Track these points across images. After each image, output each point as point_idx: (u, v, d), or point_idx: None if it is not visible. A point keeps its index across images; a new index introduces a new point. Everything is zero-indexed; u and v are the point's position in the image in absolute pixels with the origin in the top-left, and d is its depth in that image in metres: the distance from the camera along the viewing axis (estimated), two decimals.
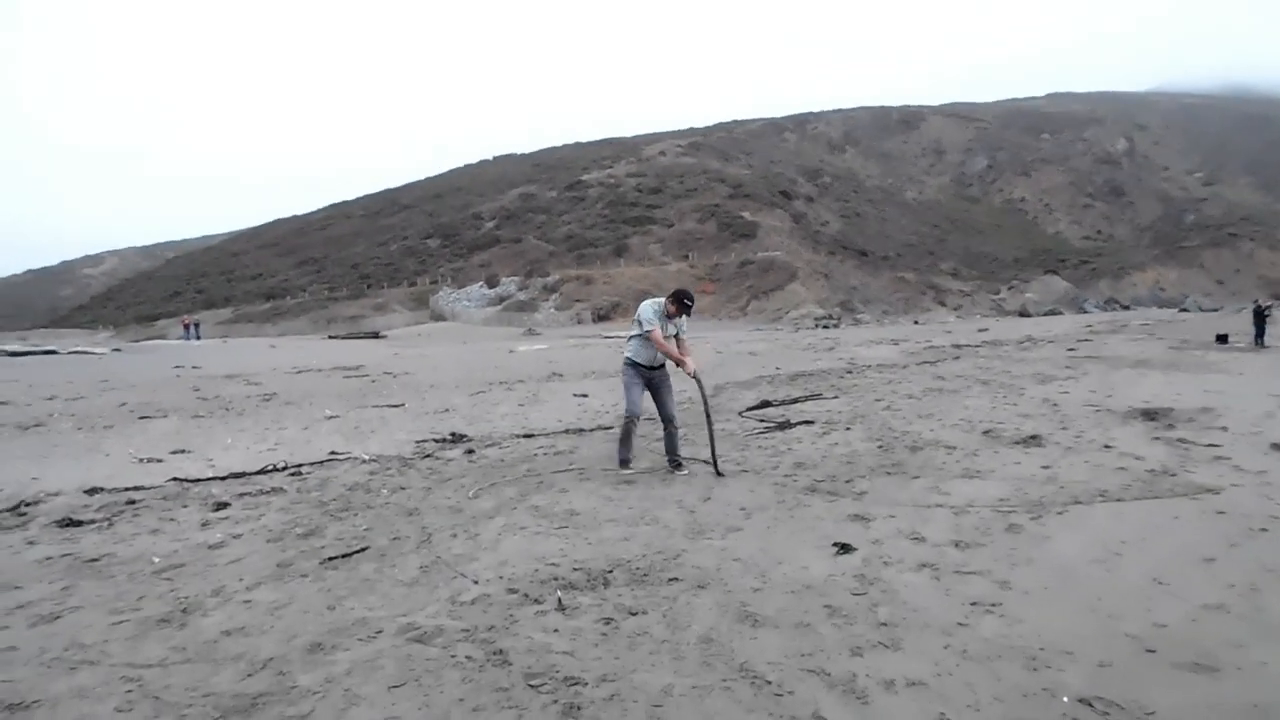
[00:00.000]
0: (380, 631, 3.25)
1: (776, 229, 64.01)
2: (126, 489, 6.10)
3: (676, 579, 3.83)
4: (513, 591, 3.69)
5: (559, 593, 3.63)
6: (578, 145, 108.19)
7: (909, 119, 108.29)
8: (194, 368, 19.53)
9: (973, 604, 3.45)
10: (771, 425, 8.17)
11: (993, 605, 3.43)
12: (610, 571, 3.94)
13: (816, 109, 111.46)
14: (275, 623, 3.38)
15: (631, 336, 6.45)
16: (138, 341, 47.03)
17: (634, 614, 3.41)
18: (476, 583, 3.81)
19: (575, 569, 3.99)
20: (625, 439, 6.42)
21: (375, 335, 45.09)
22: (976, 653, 3.00)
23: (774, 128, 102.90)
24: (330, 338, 44.89)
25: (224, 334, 53.64)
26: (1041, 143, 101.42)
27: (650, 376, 6.43)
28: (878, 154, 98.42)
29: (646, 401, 6.47)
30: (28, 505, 5.66)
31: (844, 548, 4.23)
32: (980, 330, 30.98)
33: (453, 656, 3.00)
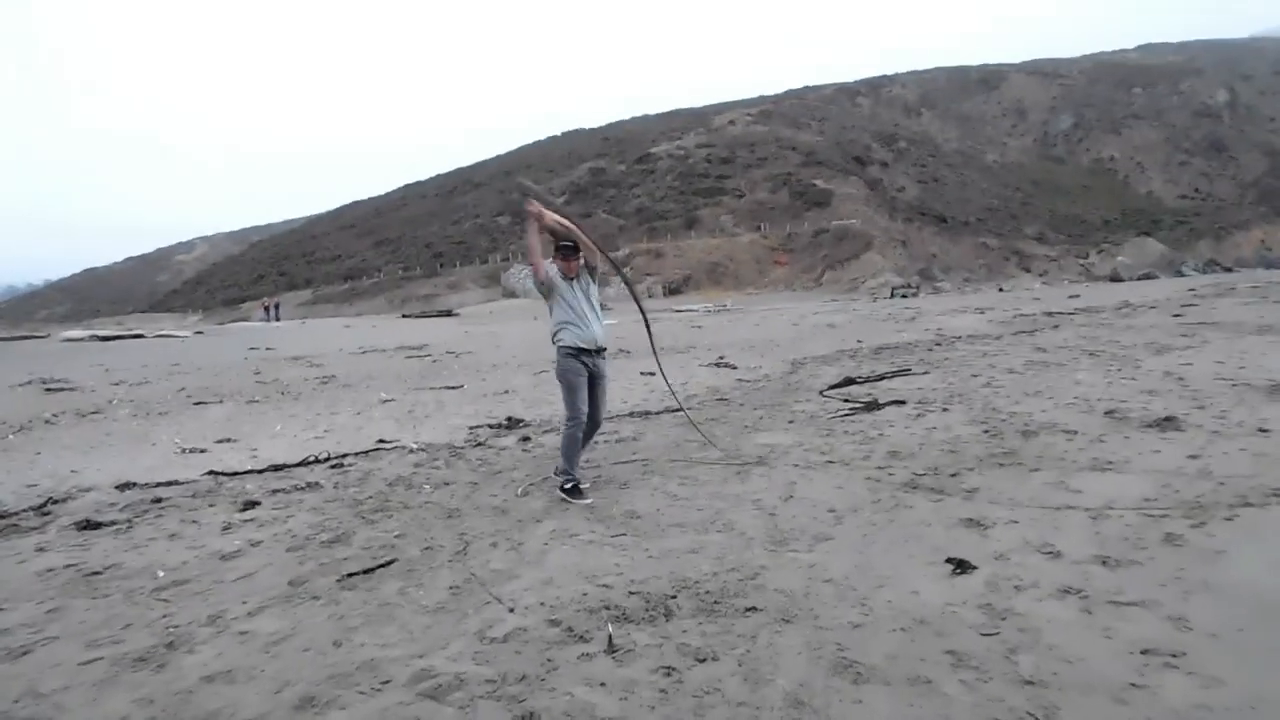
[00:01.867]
0: (388, 681, 2.64)
1: (851, 196, 61.94)
2: (159, 484, 5.69)
3: (755, 608, 3.11)
4: (554, 624, 3.04)
5: (610, 626, 2.96)
6: (646, 118, 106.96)
7: (988, 78, 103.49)
8: (267, 349, 19.57)
9: (1144, 652, 2.64)
10: (858, 405, 7.33)
11: (1173, 656, 2.60)
12: (674, 597, 3.25)
13: (891, 72, 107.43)
14: (268, 664, 2.80)
15: (555, 320, 5.21)
16: (222, 324, 48.40)
17: (701, 660, 2.71)
18: (513, 610, 3.18)
19: (632, 592, 3.31)
20: (573, 453, 5.00)
21: (448, 314, 45.28)
22: None
23: (847, 93, 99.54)
24: (404, 316, 45.30)
25: (304, 315, 54.86)
26: (1133, 97, 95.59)
27: (593, 365, 5.18)
28: (956, 116, 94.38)
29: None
30: (55, 503, 5.29)
31: (960, 565, 3.45)
32: (1071, 296, 29.08)
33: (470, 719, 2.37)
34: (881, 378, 9.08)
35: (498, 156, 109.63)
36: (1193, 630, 2.78)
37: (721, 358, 11.91)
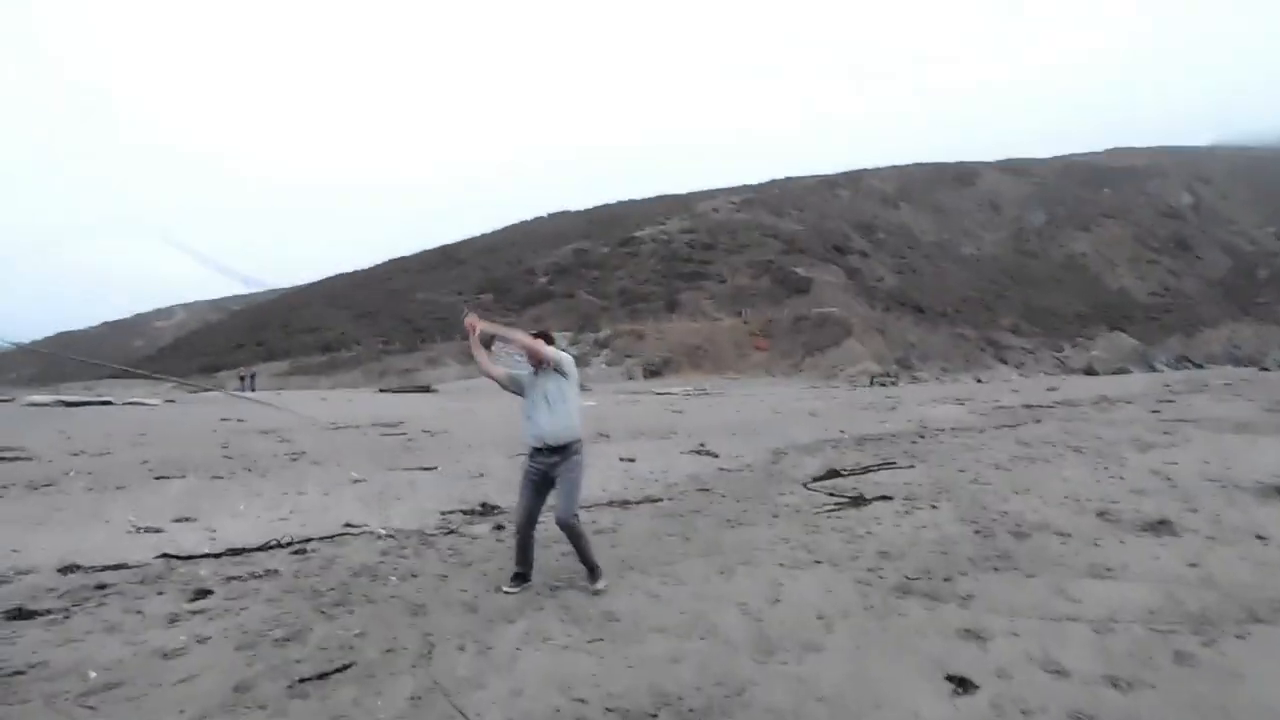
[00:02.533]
0: None
1: (831, 284, 62.83)
2: (106, 567, 5.33)
3: None
4: None
5: None
6: (631, 202, 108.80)
7: (964, 175, 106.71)
8: (238, 421, 19.10)
9: None
10: (844, 500, 7.13)
11: None
12: (654, 715, 2.99)
13: (870, 165, 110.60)
14: None
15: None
16: (195, 393, 47.55)
17: None
18: None
19: (609, 708, 3.05)
20: (517, 551, 4.89)
21: (426, 389, 44.79)
22: None
23: (827, 183, 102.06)
24: (381, 391, 44.76)
25: (280, 385, 54.08)
26: (1102, 196, 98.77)
27: (545, 464, 4.84)
28: (933, 208, 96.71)
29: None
30: None
31: (962, 684, 3.22)
32: (1050, 389, 29.28)
33: None
34: (867, 470, 8.91)
35: (483, 234, 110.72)
36: None
37: (702, 444, 11.70)
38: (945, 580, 4.66)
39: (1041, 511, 6.36)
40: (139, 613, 4.36)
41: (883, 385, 39.75)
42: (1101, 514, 6.21)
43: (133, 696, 3.24)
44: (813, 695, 3.15)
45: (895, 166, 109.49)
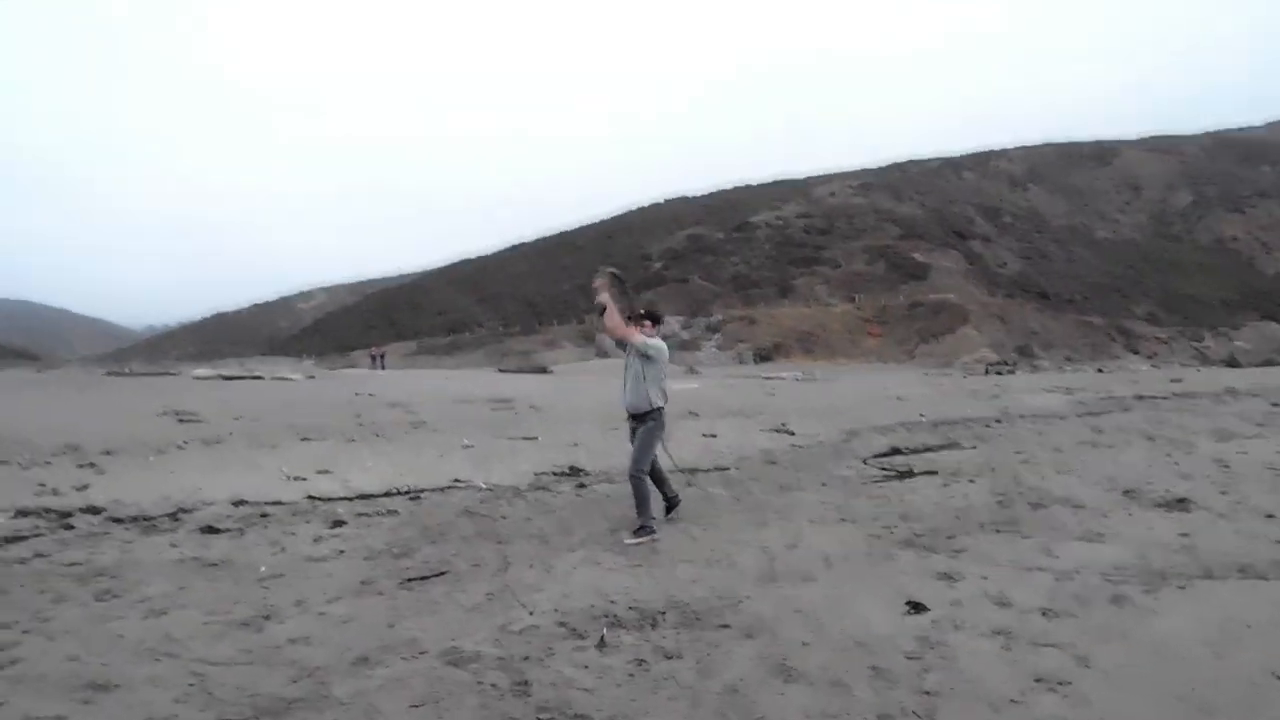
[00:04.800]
0: (424, 652, 3.40)
1: (949, 270, 61.29)
2: (267, 503, 6.69)
3: (727, 625, 3.76)
4: (562, 625, 3.76)
5: (604, 630, 3.66)
6: (748, 187, 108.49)
7: (1101, 153, 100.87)
8: (370, 395, 21.08)
9: (1037, 680, 3.16)
10: (892, 474, 7.82)
11: (1060, 683, 3.13)
12: (663, 613, 3.93)
13: (998, 145, 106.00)
14: (337, 635, 3.62)
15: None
16: (333, 369, 51.36)
17: (669, 657, 3.38)
18: (531, 613, 3.91)
19: (631, 607, 4.00)
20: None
21: (542, 370, 46.82)
22: None
23: (951, 166, 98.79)
24: (501, 371, 47.10)
25: (408, 365, 57.58)
26: (1260, 175, 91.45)
27: (631, 425, 6.04)
28: (1065, 190, 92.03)
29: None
30: (184, 512, 6.33)
31: (916, 607, 4.00)
32: (1174, 380, 28.10)
33: (479, 682, 3.10)
34: (928, 449, 9.50)
35: (600, 220, 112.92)
36: (1090, 668, 3.29)
37: (783, 424, 12.46)
38: (948, 538, 5.37)
39: (1070, 488, 6.88)
40: (292, 533, 5.64)
41: (998, 374, 38.79)
42: (1127, 492, 6.68)
43: (290, 583, 4.44)
44: (792, 608, 4.01)
45: (1025, 147, 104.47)
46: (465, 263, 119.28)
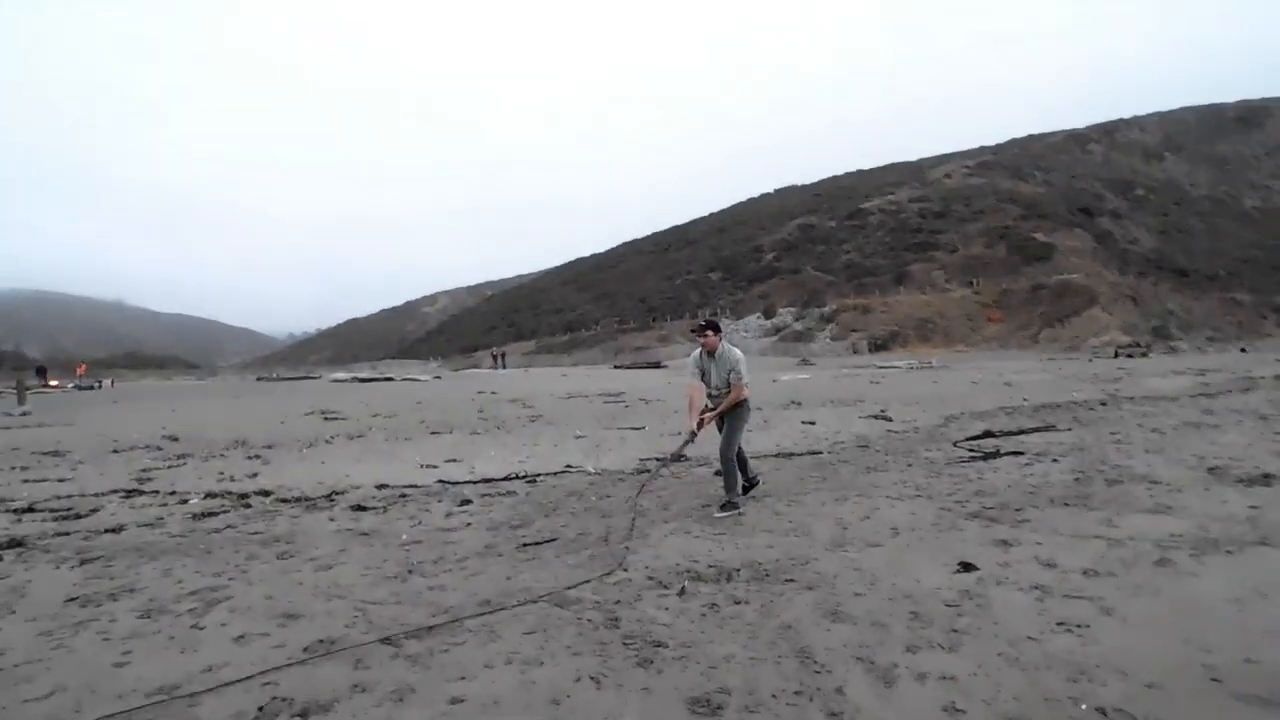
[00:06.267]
0: (535, 597, 4.15)
1: (1075, 250, 58.57)
2: (405, 486, 7.69)
3: (792, 580, 4.34)
4: (650, 578, 4.43)
5: (685, 582, 4.31)
6: (860, 173, 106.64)
7: (1247, 116, 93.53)
8: (492, 393, 22.47)
9: (1059, 624, 3.61)
10: (978, 455, 8.12)
11: (1079, 626, 3.57)
12: (738, 570, 4.54)
13: (1129, 114, 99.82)
14: (465, 583, 4.42)
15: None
16: (457, 370, 54.09)
17: (738, 603, 4.00)
18: (625, 569, 4.61)
19: (710, 566, 4.64)
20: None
21: (656, 365, 47.83)
22: (1028, 662, 3.23)
23: (1076, 139, 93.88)
24: (616, 367, 48.43)
25: (527, 363, 59.84)
26: None
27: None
28: (1207, 159, 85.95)
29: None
30: (338, 494, 7.40)
31: (966, 567, 4.46)
32: None
33: (579, 618, 3.82)
34: (1021, 431, 9.67)
35: (711, 214, 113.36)
36: (1112, 616, 3.70)
37: (883, 411, 12.75)
38: (1016, 511, 5.74)
39: (1153, 466, 7.05)
40: (427, 510, 6.55)
41: (1129, 357, 37.11)
42: (1212, 469, 6.81)
43: (428, 546, 5.31)
44: (852, 567, 4.55)
45: (1160, 113, 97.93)
46: (580, 261, 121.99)
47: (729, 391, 6.38)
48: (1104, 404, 12.69)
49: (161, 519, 6.37)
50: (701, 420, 6.42)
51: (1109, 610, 3.75)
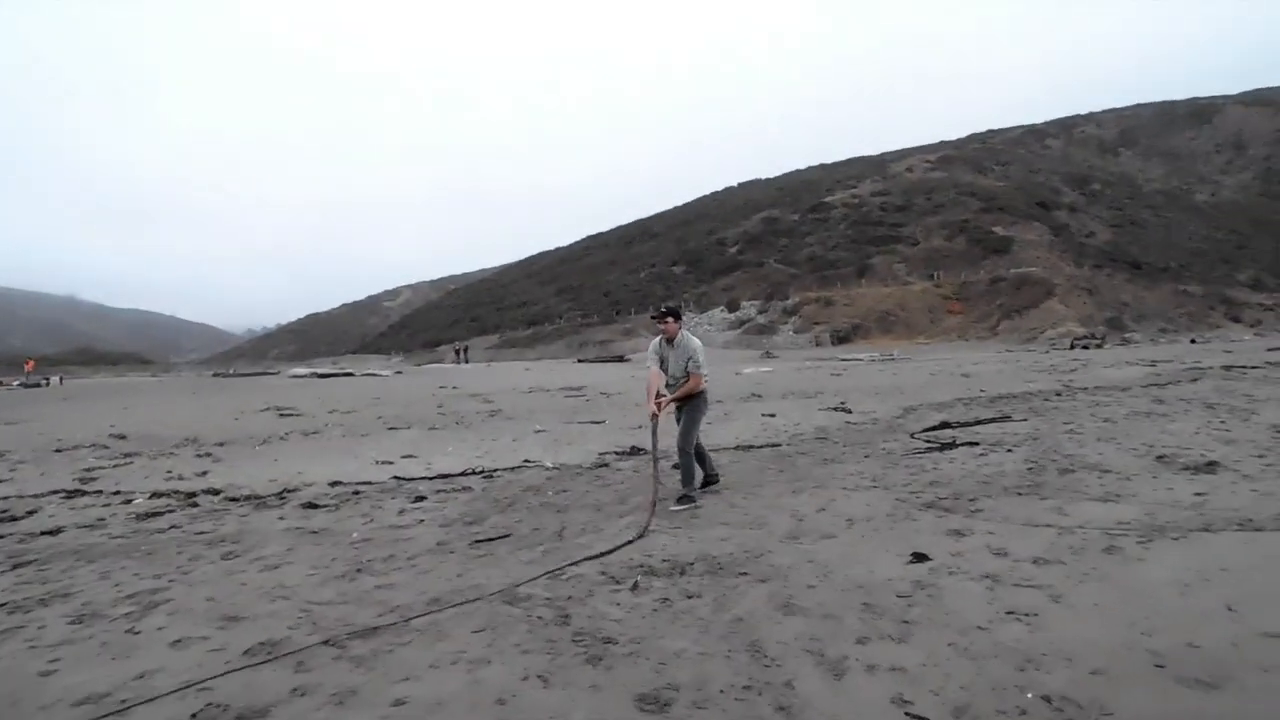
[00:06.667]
0: (486, 594, 4.08)
1: (1033, 243, 59.64)
2: (359, 483, 7.56)
3: (746, 573, 4.32)
4: (603, 574, 4.38)
5: (638, 577, 4.27)
6: (822, 167, 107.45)
7: (1200, 111, 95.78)
8: (453, 388, 22.24)
9: (1008, 612, 3.63)
10: (934, 446, 8.19)
11: (1027, 615, 3.58)
12: (692, 564, 4.51)
13: (1085, 110, 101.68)
14: (415, 581, 4.34)
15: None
16: (419, 365, 53.54)
17: (690, 597, 3.97)
18: (576, 565, 4.56)
19: (664, 560, 4.60)
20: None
21: (619, 359, 47.77)
22: (977, 651, 3.23)
23: (1035, 134, 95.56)
24: (579, 361, 48.28)
25: (491, 358, 59.43)
26: None
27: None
28: (1161, 153, 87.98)
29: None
30: (289, 491, 7.25)
31: (919, 557, 4.47)
32: (1271, 349, 27.06)
33: (529, 615, 3.76)
34: (978, 422, 9.78)
35: (675, 207, 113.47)
36: (1060, 604, 3.73)
37: (843, 403, 12.84)
38: (970, 501, 5.79)
39: (1105, 455, 7.15)
40: (380, 507, 6.44)
41: (1084, 348, 37.88)
42: (1160, 458, 6.93)
43: (379, 545, 5.21)
44: (806, 559, 4.54)
45: (1115, 110, 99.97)
46: (544, 255, 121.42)
47: (687, 380, 6.35)
48: (1059, 394, 12.91)
49: (103, 520, 6.19)
50: (659, 402, 6.35)
51: (1058, 598, 3.77)
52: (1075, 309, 48.63)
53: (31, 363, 52.39)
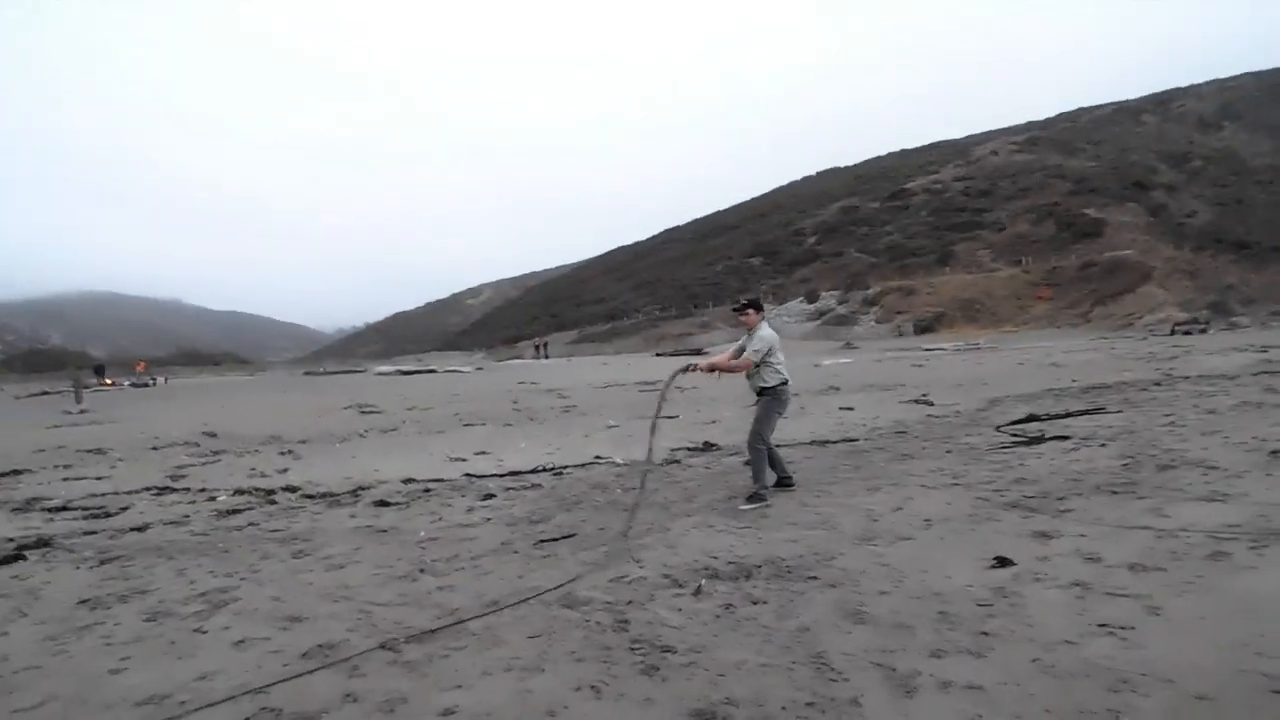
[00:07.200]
0: (544, 597, 4.00)
1: (1128, 225, 56.76)
2: (431, 480, 7.63)
3: (814, 577, 4.13)
4: (666, 576, 4.26)
5: (703, 581, 4.13)
6: (902, 153, 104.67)
7: None
8: (531, 383, 22.47)
9: (1099, 625, 3.34)
10: (1020, 440, 7.78)
11: (1121, 629, 3.30)
12: (759, 567, 4.34)
13: (1184, 83, 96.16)
14: (475, 583, 4.30)
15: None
16: (500, 361, 54.44)
17: (754, 603, 3.80)
18: (641, 566, 4.44)
19: (730, 563, 4.45)
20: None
21: (697, 352, 47.49)
22: (1064, 670, 2.97)
23: (1128, 111, 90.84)
24: (657, 355, 48.27)
25: (570, 353, 59.97)
26: None
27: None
28: (1268, 126, 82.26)
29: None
30: (363, 489, 7.37)
31: (1002, 561, 4.19)
32: None
33: (586, 620, 3.66)
34: (1068, 414, 9.27)
35: (751, 199, 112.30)
36: (1158, 616, 3.42)
37: (924, 395, 12.39)
38: (1058, 500, 5.44)
39: (1210, 450, 6.64)
40: (449, 505, 6.47)
41: (1187, 333, 35.81)
42: (1274, 453, 6.38)
43: (444, 544, 5.21)
44: (879, 563, 4.32)
45: (1216, 81, 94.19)
46: (621, 250, 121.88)
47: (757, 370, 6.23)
48: (1157, 384, 12.14)
49: (187, 517, 6.39)
50: (695, 365, 6.79)
51: (1155, 610, 3.47)
52: (1175, 293, 46.06)
53: (143, 364, 55.33)
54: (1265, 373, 12.81)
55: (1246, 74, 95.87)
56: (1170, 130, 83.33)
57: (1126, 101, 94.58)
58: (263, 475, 8.36)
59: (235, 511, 6.51)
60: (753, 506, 5.80)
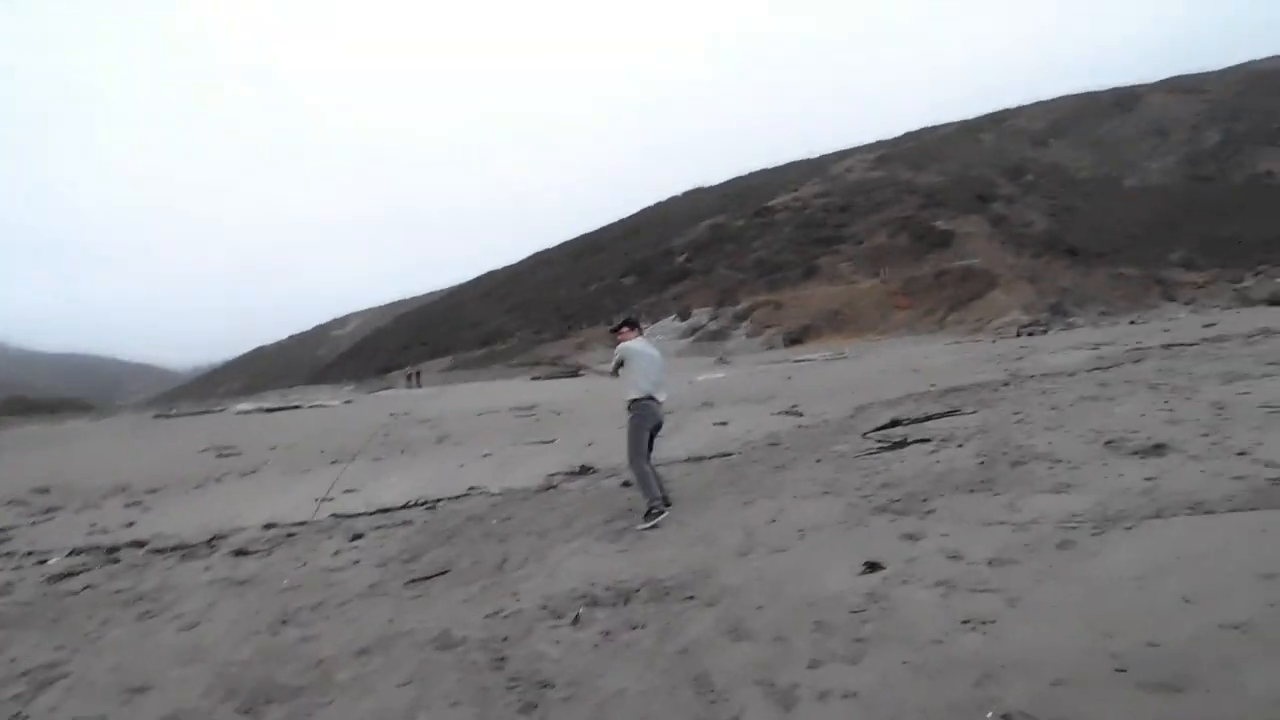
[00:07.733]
0: (417, 640, 3.82)
1: (974, 235, 60.71)
2: (294, 524, 7.22)
3: (693, 597, 4.12)
4: (544, 608, 4.15)
5: (580, 609, 4.05)
6: (765, 171, 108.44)
7: (1123, 100, 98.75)
8: (404, 414, 21.73)
9: (964, 622, 3.47)
10: (886, 445, 8.10)
11: (984, 623, 3.43)
12: (638, 590, 4.30)
13: (1014, 104, 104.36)
14: (344, 632, 4.06)
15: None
16: (371, 393, 52.54)
17: (634, 628, 3.76)
18: (518, 598, 4.32)
19: (608, 588, 4.38)
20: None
21: (574, 373, 47.31)
22: (933, 668, 3.07)
23: (968, 129, 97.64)
24: (533, 378, 47.75)
25: (444, 380, 58.54)
26: None
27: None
28: (1089, 142, 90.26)
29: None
30: (219, 538, 6.89)
31: (872, 566, 4.31)
32: (1206, 325, 27.76)
33: (461, 661, 3.52)
34: (928, 418, 9.74)
35: (621, 219, 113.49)
36: (1017, 608, 3.58)
37: (794, 406, 12.76)
38: (922, 501, 5.66)
39: (1054, 444, 7.10)
40: (314, 549, 6.14)
41: (1030, 335, 38.57)
42: (1109, 443, 6.88)
43: (309, 591, 4.92)
44: (758, 576, 4.36)
45: (1042, 102, 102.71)
46: (493, 274, 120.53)
47: None
48: (1006, 384, 12.97)
49: (10, 585, 5.78)
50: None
51: (1014, 601, 3.63)
52: (1018, 297, 49.54)
53: None
54: (1098, 369, 13.90)
55: (1066, 96, 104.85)
56: (1006, 146, 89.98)
57: (966, 120, 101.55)
58: (104, 531, 7.69)
59: (70, 574, 5.95)
60: (653, 523, 5.76)
